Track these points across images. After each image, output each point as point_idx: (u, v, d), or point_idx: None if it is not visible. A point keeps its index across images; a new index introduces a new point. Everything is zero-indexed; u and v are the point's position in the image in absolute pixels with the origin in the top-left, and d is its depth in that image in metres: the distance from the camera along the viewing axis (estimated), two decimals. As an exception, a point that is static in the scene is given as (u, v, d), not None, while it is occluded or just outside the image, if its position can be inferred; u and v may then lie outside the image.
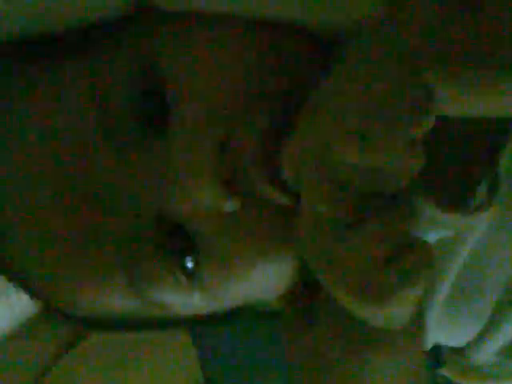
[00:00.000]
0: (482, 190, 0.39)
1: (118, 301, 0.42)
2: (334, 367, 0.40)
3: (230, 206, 0.37)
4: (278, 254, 0.39)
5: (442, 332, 0.49)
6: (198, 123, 0.37)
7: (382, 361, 0.39)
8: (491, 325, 0.47)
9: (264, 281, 0.41)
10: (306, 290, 0.42)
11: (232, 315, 0.53)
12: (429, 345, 0.52)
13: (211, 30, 0.39)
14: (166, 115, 0.38)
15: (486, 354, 0.49)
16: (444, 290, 0.45)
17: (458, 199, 0.39)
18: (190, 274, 0.39)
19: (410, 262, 0.32)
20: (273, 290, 0.44)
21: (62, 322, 0.54)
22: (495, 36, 0.31)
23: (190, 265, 0.39)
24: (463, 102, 0.31)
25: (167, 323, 0.48)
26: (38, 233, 0.40)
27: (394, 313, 0.34)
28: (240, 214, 0.38)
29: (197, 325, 0.57)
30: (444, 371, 0.56)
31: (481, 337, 0.48)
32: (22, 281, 0.44)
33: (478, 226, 0.41)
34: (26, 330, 0.55)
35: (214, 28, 0.39)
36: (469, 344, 0.50)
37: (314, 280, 0.36)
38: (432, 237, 0.41)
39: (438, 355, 0.54)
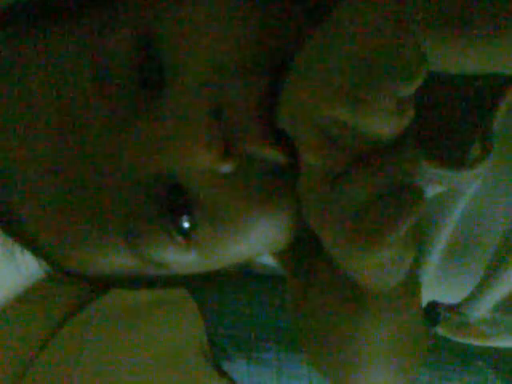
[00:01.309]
0: (475, 147, 0.40)
1: (118, 260, 0.42)
2: (330, 329, 0.41)
3: (225, 167, 0.38)
4: (272, 212, 0.40)
5: (438, 289, 0.49)
6: (193, 87, 0.37)
7: (378, 322, 0.40)
8: (486, 281, 0.47)
9: (259, 238, 0.41)
10: (305, 251, 0.43)
11: (233, 277, 0.54)
12: (424, 302, 0.53)
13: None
14: (163, 79, 0.38)
15: (482, 310, 0.50)
16: (439, 246, 0.46)
17: (451, 155, 0.39)
18: (187, 234, 0.40)
19: (397, 203, 0.33)
20: (268, 247, 0.44)
21: (68, 283, 0.55)
22: None
23: (186, 224, 0.40)
24: (455, 59, 0.32)
25: (168, 281, 0.49)
26: (40, 195, 0.41)
27: (384, 259, 0.34)
28: (235, 175, 0.38)
29: (198, 284, 0.57)
30: (439, 329, 0.56)
31: (476, 293, 0.49)
32: (28, 244, 0.45)
33: (472, 182, 0.42)
34: (32, 294, 0.56)
35: None
36: (464, 301, 0.51)
37: (312, 238, 0.37)
38: (427, 192, 0.42)
39: (433, 312, 0.55)
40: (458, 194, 0.43)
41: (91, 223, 0.40)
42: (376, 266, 0.36)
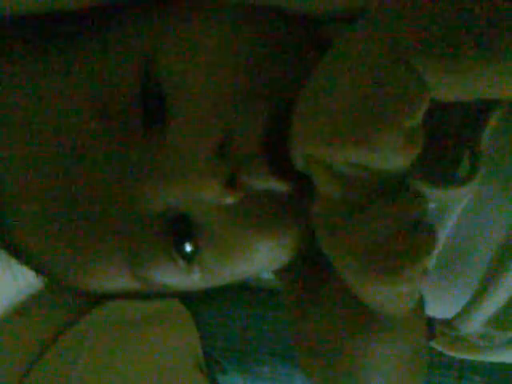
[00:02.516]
0: (464, 166, 0.40)
1: (120, 283, 0.43)
2: (337, 349, 0.42)
3: (230, 200, 0.38)
4: (275, 238, 0.40)
5: (431, 304, 0.50)
6: (197, 121, 0.38)
7: (385, 344, 0.40)
8: (478, 295, 0.47)
9: (261, 261, 0.42)
10: (310, 270, 0.43)
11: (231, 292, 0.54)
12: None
13: (207, 26, 0.39)
14: (165, 110, 0.38)
15: (474, 324, 0.50)
16: (431, 262, 0.46)
17: (440, 173, 0.40)
18: (188, 258, 0.41)
19: (417, 239, 0.34)
20: (270, 267, 0.45)
21: (65, 296, 0.55)
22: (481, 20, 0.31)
23: (188, 249, 0.40)
24: (454, 87, 0.32)
25: (164, 294, 0.50)
26: (39, 218, 0.41)
27: (402, 290, 0.35)
28: (239, 204, 0.39)
29: (193, 297, 0.58)
30: (435, 344, 0.57)
31: (468, 307, 0.49)
32: (29, 263, 0.45)
33: (461, 199, 0.42)
34: (29, 304, 0.56)
35: (209, 24, 0.39)
36: (457, 315, 0.51)
37: (318, 260, 0.38)
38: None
39: (429, 327, 0.55)
40: (448, 210, 0.43)
41: (96, 249, 0.41)
42: (389, 297, 0.36)
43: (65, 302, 0.58)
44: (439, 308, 0.51)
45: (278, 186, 0.38)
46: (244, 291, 0.62)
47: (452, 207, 0.43)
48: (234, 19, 0.39)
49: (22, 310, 0.58)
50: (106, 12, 0.40)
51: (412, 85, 0.31)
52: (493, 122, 0.40)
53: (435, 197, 0.39)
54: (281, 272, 0.45)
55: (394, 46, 0.32)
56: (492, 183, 0.42)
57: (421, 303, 0.41)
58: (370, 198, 0.34)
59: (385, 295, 0.36)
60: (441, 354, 0.58)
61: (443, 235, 0.44)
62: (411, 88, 0.31)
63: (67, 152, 0.39)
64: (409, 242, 0.34)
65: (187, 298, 0.57)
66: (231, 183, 0.37)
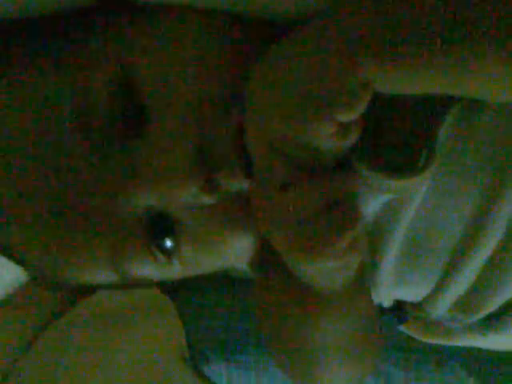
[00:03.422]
0: (421, 157, 0.41)
1: (101, 276, 0.44)
2: (287, 327, 0.44)
3: (208, 201, 0.40)
4: (248, 233, 0.42)
5: (399, 288, 0.51)
6: (175, 128, 0.39)
7: (333, 320, 0.42)
8: (442, 281, 0.49)
9: (235, 253, 0.44)
10: (266, 255, 0.45)
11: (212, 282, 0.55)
12: (389, 301, 0.55)
13: (177, 36, 0.40)
14: (144, 116, 0.39)
15: (441, 308, 0.51)
16: (392, 249, 0.47)
17: (398, 165, 0.41)
18: (169, 253, 0.42)
19: (338, 217, 0.35)
20: (242, 258, 0.46)
21: (50, 290, 0.56)
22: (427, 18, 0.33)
23: (169, 244, 0.41)
24: (399, 84, 0.33)
25: (145, 284, 0.51)
26: (26, 216, 0.42)
27: (326, 268, 0.37)
28: (216, 205, 0.40)
29: (176, 288, 0.59)
30: (405, 328, 0.58)
31: (435, 292, 0.50)
32: (12, 256, 0.46)
33: (418, 189, 0.43)
34: (14, 298, 0.56)
35: (179, 34, 0.41)
36: (425, 299, 0.52)
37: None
38: (376, 201, 0.44)
39: (400, 311, 0.56)
40: (407, 200, 0.44)
41: (79, 245, 0.43)
42: (321, 272, 0.38)
43: (49, 296, 0.58)
44: (408, 292, 0.52)
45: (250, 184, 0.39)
46: (227, 282, 0.62)
47: (410, 199, 0.44)
48: (201, 28, 0.41)
49: (6, 304, 0.58)
50: (82, 23, 0.41)
51: (352, 83, 0.32)
52: (450, 117, 0.41)
53: (394, 188, 0.41)
54: (252, 263, 0.47)
55: (341, 43, 0.33)
56: (450, 176, 0.43)
57: (361, 276, 0.43)
58: (298, 177, 0.35)
59: (316, 271, 0.38)
60: (419, 340, 0.60)
61: (404, 224, 0.46)
62: (351, 85, 0.32)
63: (49, 156, 0.40)
64: (330, 220, 0.35)
65: (171, 289, 0.58)
66: (208, 185, 0.39)
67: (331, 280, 0.40)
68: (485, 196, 0.44)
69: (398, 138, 0.42)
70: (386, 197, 0.43)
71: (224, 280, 0.62)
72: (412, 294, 0.52)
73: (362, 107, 0.33)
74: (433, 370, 0.61)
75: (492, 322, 0.51)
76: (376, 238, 0.46)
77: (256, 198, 0.38)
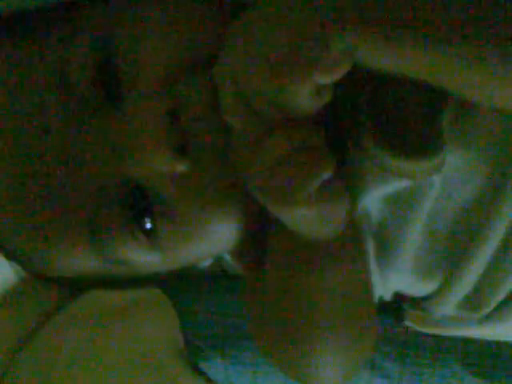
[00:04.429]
0: (430, 142, 0.42)
1: (83, 261, 0.45)
2: (285, 292, 0.44)
3: (181, 166, 0.40)
4: (228, 209, 0.43)
5: (411, 280, 0.51)
6: (148, 94, 0.40)
7: (328, 276, 0.43)
8: (449, 278, 0.49)
9: (217, 236, 0.44)
10: (254, 239, 0.46)
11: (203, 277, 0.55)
12: (391, 294, 0.55)
13: (152, 9, 0.42)
14: (121, 88, 0.41)
15: (447, 307, 0.51)
16: (410, 242, 0.47)
17: (406, 147, 0.42)
18: (149, 234, 0.42)
19: (302, 161, 0.36)
20: (224, 245, 0.47)
21: (42, 286, 0.56)
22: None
23: (148, 225, 0.41)
24: (380, 58, 0.34)
25: (136, 281, 0.51)
26: (5, 200, 0.42)
27: (304, 213, 0.37)
28: (192, 175, 0.41)
29: (172, 284, 0.59)
30: (406, 321, 0.58)
31: (441, 290, 0.50)
32: None
33: (432, 177, 0.44)
34: (8, 298, 0.56)
35: (154, 6, 0.42)
36: (429, 298, 0.52)
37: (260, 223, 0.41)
38: (388, 187, 0.44)
39: (399, 308, 0.56)
40: (423, 190, 0.44)
41: (54, 225, 0.42)
42: (301, 220, 0.38)
43: (43, 294, 0.58)
44: (420, 285, 0.52)
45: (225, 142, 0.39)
46: (224, 277, 0.62)
47: (425, 187, 0.44)
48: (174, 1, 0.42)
49: (1, 301, 0.58)
50: (68, 5, 0.43)
51: (333, 47, 0.33)
52: (448, 111, 0.42)
53: (404, 172, 0.40)
54: (237, 254, 0.47)
55: (328, 5, 0.34)
56: (452, 171, 0.43)
57: (354, 231, 0.44)
58: (269, 128, 0.36)
59: (295, 218, 0.38)
60: (415, 334, 0.60)
61: (421, 217, 0.46)
62: (331, 49, 0.33)
63: (24, 126, 0.41)
64: (296, 165, 0.36)
65: (165, 284, 0.58)
66: (182, 151, 0.39)
67: (317, 228, 0.40)
68: (487, 188, 0.44)
69: (403, 121, 0.42)
70: (389, 187, 0.44)
71: (220, 275, 0.62)
72: (424, 288, 0.52)
73: (341, 72, 0.33)
74: (428, 365, 0.61)
75: (489, 314, 0.52)
76: (390, 231, 0.46)
77: (234, 148, 0.38)
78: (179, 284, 0.61)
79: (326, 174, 0.36)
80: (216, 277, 0.62)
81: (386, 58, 0.34)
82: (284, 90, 0.34)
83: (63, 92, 0.40)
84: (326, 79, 0.33)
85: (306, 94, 0.34)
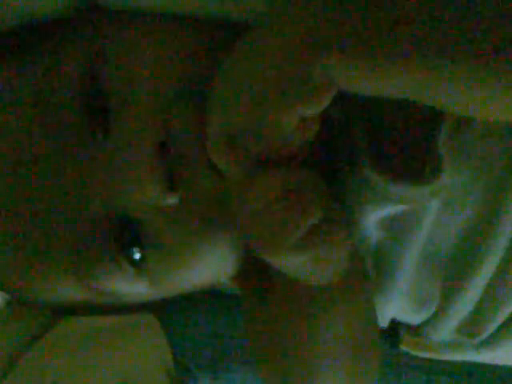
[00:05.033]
0: (428, 166, 0.41)
1: (68, 292, 0.44)
2: (287, 332, 0.43)
3: (170, 200, 0.38)
4: (217, 239, 0.42)
5: (406, 305, 0.50)
6: (138, 122, 0.39)
7: (328, 316, 0.42)
8: (445, 300, 0.48)
9: (208, 265, 0.43)
10: (256, 268, 0.44)
11: (192, 300, 0.54)
12: (387, 321, 0.54)
13: (150, 33, 0.41)
14: (108, 112, 0.40)
15: (443, 332, 0.51)
16: (407, 265, 0.46)
17: (406, 172, 0.41)
18: (137, 265, 0.41)
19: (289, 205, 0.35)
20: (221, 272, 0.46)
21: (28, 310, 0.55)
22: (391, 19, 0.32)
23: (136, 256, 0.40)
24: (363, 82, 0.32)
25: (124, 308, 0.50)
26: None
27: (292, 260, 0.36)
28: (181, 206, 0.40)
29: (155, 309, 0.58)
30: (402, 346, 0.57)
31: (436, 315, 0.50)
32: None
33: (430, 200, 0.43)
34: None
35: (151, 31, 0.41)
36: (425, 323, 0.52)
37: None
38: (386, 211, 0.44)
39: (394, 334, 0.55)
40: (420, 214, 0.43)
41: (39, 256, 0.41)
42: (295, 267, 0.37)
43: (30, 317, 0.56)
44: (415, 311, 0.51)
45: (213, 180, 0.39)
46: (213, 297, 0.61)
47: (422, 211, 0.44)
48: (165, 28, 0.41)
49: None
50: (51, 25, 0.41)
51: (312, 75, 0.32)
52: (445, 129, 0.41)
53: (401, 197, 0.39)
54: (236, 278, 0.46)
55: (303, 33, 0.33)
56: (449, 190, 0.42)
57: (357, 273, 0.43)
58: (256, 170, 0.36)
59: (289, 265, 0.37)
60: (409, 356, 0.59)
61: (419, 240, 0.45)
62: (311, 78, 0.32)
63: (7, 155, 0.39)
64: (284, 209, 0.35)
65: (156, 305, 0.57)
66: (172, 183, 0.38)
67: (314, 275, 0.39)
68: (484, 212, 0.43)
69: (400, 146, 0.42)
70: (385, 211, 0.42)
71: (211, 295, 0.61)
72: (418, 313, 0.51)
73: (324, 102, 0.32)
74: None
75: (486, 339, 0.51)
76: (387, 254, 0.45)
77: (232, 193, 0.38)
78: (168, 305, 0.59)
79: (314, 219, 0.35)
80: (207, 295, 0.61)
81: (374, 81, 0.32)
82: (267, 122, 0.33)
83: (47, 120, 0.38)
84: (309, 110, 0.33)
85: (291, 126, 0.34)
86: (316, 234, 0.36)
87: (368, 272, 0.46)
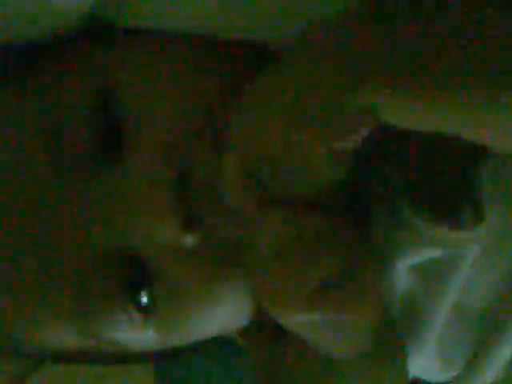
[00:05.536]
0: (466, 210, 0.39)
1: (64, 337, 0.40)
2: None
3: (188, 241, 0.36)
4: (234, 287, 0.39)
5: (434, 362, 0.47)
6: (157, 158, 0.36)
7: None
8: (479, 356, 0.45)
9: (222, 315, 0.40)
10: (268, 325, 0.42)
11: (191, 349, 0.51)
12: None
13: (168, 59, 0.38)
14: (122, 143, 0.37)
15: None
16: (440, 317, 0.43)
17: (444, 215, 0.39)
18: (145, 310, 0.38)
19: (299, 252, 0.32)
20: (229, 327, 0.43)
21: (13, 357, 0.51)
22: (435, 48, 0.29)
23: (144, 300, 0.37)
24: (406, 114, 0.29)
25: (125, 358, 0.46)
26: None
27: (303, 320, 0.32)
28: (198, 249, 0.37)
29: (157, 360, 0.54)
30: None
31: (464, 376, 0.47)
32: None
33: (469, 247, 0.41)
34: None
35: (169, 57, 0.38)
36: (456, 378, 0.48)
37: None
38: (420, 256, 0.40)
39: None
40: (458, 261, 0.41)
41: (40, 296, 0.38)
42: (305, 328, 0.34)
43: (13, 361, 0.53)
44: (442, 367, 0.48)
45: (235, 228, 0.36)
46: (218, 345, 0.58)
47: (460, 258, 0.41)
48: (186, 53, 0.39)
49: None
50: (59, 45, 0.39)
51: (350, 106, 0.29)
52: (488, 168, 0.39)
53: (439, 240, 0.38)
54: (245, 333, 0.44)
55: (340, 60, 0.30)
56: (497, 233, 0.40)
57: (386, 348, 0.39)
58: (268, 211, 0.33)
59: (302, 326, 0.34)
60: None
61: (454, 290, 0.42)
62: (347, 109, 0.29)
63: (12, 189, 0.37)
64: (292, 261, 0.32)
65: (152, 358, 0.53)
66: (190, 222, 0.35)
67: (331, 341, 0.35)
68: None
69: (438, 185, 0.40)
70: (420, 256, 0.40)
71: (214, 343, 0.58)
72: (438, 374, 0.48)
73: (359, 135, 0.30)
74: None
75: None
76: (419, 306, 0.42)
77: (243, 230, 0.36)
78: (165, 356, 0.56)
79: (322, 272, 0.32)
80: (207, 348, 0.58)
81: (415, 115, 0.29)
82: (295, 154, 0.31)
83: (54, 151, 0.35)
84: (341, 143, 0.30)
85: (321, 160, 0.31)
86: (327, 291, 0.32)
87: (401, 336, 0.42)
